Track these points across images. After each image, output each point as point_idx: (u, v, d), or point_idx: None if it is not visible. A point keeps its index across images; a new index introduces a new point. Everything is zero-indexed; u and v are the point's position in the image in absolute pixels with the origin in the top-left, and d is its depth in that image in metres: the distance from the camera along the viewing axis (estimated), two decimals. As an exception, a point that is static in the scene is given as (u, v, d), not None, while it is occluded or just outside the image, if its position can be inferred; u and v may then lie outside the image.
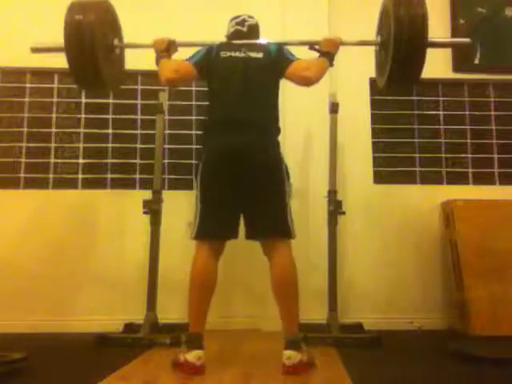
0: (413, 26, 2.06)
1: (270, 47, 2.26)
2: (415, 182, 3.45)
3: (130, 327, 2.90)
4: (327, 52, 2.23)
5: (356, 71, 3.35)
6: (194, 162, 3.39)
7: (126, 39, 2.54)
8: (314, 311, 2.93)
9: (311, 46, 2.29)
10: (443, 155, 3.49)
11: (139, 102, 3.47)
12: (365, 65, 3.13)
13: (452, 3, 3.51)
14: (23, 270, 3.15)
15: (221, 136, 2.16)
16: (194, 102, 3.47)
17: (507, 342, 2.59)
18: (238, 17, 2.39)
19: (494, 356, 2.21)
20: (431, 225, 3.30)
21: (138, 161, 3.41)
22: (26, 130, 3.39)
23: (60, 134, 3.41)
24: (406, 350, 2.56)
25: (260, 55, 2.22)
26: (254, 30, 2.38)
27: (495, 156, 3.49)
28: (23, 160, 3.37)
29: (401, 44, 2.07)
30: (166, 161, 3.38)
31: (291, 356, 1.99)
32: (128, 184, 3.37)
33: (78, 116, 3.43)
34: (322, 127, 3.12)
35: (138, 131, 3.44)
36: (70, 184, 3.35)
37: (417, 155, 3.48)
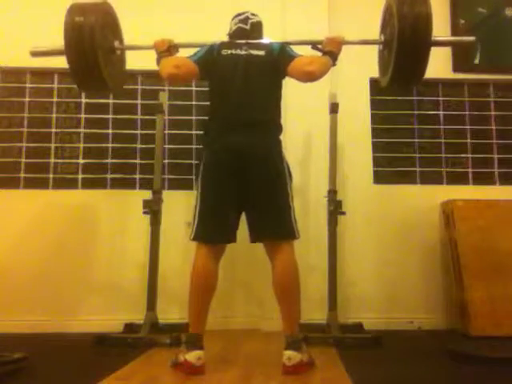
0: (417, 24, 2.05)
1: (272, 46, 2.24)
2: (415, 182, 3.45)
3: (130, 327, 2.90)
4: (330, 51, 2.21)
5: (356, 71, 3.35)
6: (194, 162, 3.39)
7: (127, 40, 2.53)
8: (314, 311, 2.93)
9: (314, 45, 2.28)
10: (443, 155, 3.49)
11: (139, 102, 3.47)
12: (365, 65, 3.14)
13: (452, 3, 3.51)
14: (23, 270, 3.15)
15: (222, 136, 2.15)
16: (194, 102, 3.47)
17: (507, 342, 2.58)
18: (242, 14, 2.37)
19: (494, 356, 2.21)
20: (431, 225, 3.30)
21: (138, 161, 3.41)
22: (25, 130, 3.40)
23: (60, 134, 3.42)
24: (406, 350, 2.56)
25: (262, 53, 2.21)
26: (256, 28, 2.36)
27: (495, 156, 3.49)
28: (23, 160, 3.37)
29: (405, 42, 2.06)
30: (166, 161, 3.38)
31: (291, 356, 1.99)
32: (128, 184, 3.37)
33: (78, 116, 3.43)
34: (322, 127, 3.12)
35: (138, 131, 3.44)
36: (70, 184, 3.35)
37: (417, 155, 3.48)
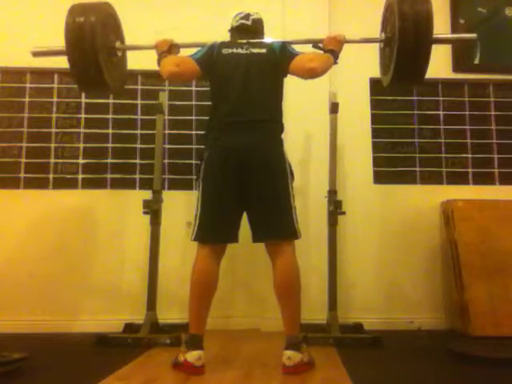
0: (418, 22, 2.05)
1: (273, 45, 2.24)
2: (415, 182, 3.45)
3: (130, 327, 2.90)
4: (331, 50, 2.21)
5: (356, 71, 3.35)
6: (194, 162, 3.39)
7: (128, 40, 2.53)
8: (314, 311, 2.93)
9: (315, 44, 2.28)
10: (443, 155, 3.49)
11: (139, 102, 3.47)
12: (365, 65, 3.16)
13: (452, 3, 3.51)
14: (23, 270, 3.15)
15: (223, 136, 2.14)
16: (194, 102, 3.47)
17: (507, 342, 2.59)
18: (243, 12, 2.38)
19: (494, 356, 2.22)
20: (431, 225, 3.30)
21: (138, 161, 3.41)
22: (25, 130, 3.39)
23: (60, 134, 3.41)
24: (406, 350, 2.56)
25: (263, 51, 2.21)
26: (258, 24, 2.36)
27: (495, 156, 3.49)
28: (23, 160, 3.36)
29: (406, 40, 2.06)
30: (166, 161, 3.38)
31: (291, 356, 1.99)
32: (128, 184, 3.37)
33: (78, 116, 3.43)
34: (322, 127, 3.12)
35: (138, 131, 3.44)
36: (70, 184, 3.35)
37: (417, 155, 3.48)
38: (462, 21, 3.49)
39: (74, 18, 2.17)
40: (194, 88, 3.47)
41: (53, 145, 3.40)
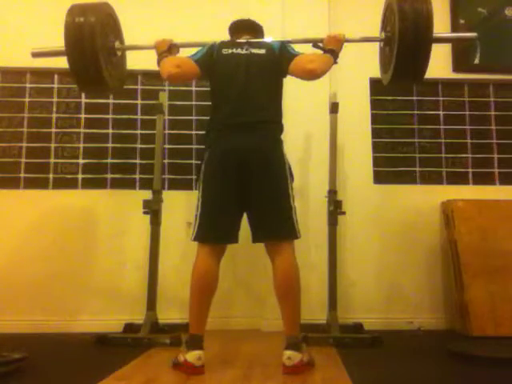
0: (418, 20, 2.04)
1: (273, 45, 2.24)
2: (415, 182, 3.45)
3: (130, 327, 2.90)
4: (331, 50, 2.20)
5: (356, 71, 3.35)
6: (194, 162, 3.39)
7: (127, 40, 2.53)
8: (314, 311, 2.93)
9: (315, 43, 2.28)
10: (443, 155, 3.49)
11: (139, 102, 3.47)
12: (365, 65, 3.16)
13: (452, 3, 3.51)
14: (23, 270, 3.15)
15: (223, 137, 2.15)
16: (194, 102, 3.47)
17: (507, 342, 2.59)
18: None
19: (494, 356, 2.21)
20: (431, 225, 3.30)
21: (138, 161, 3.41)
22: (25, 130, 3.39)
23: (60, 134, 3.41)
24: (406, 350, 2.56)
25: (263, 51, 2.21)
26: (257, 23, 2.40)
27: (495, 156, 3.49)
28: (23, 160, 3.36)
29: (406, 39, 2.05)
30: (166, 161, 3.38)
31: (291, 356, 1.99)
32: (128, 184, 3.37)
33: (78, 116, 3.43)
34: (322, 127, 3.12)
35: (138, 131, 3.44)
36: (70, 184, 3.35)
37: (417, 155, 3.48)
38: (462, 21, 3.49)
39: (74, 19, 2.17)
40: (194, 88, 3.48)
41: (53, 145, 3.40)
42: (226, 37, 2.38)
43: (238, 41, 2.28)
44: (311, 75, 2.15)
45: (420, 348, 2.62)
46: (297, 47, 2.27)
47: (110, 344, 2.63)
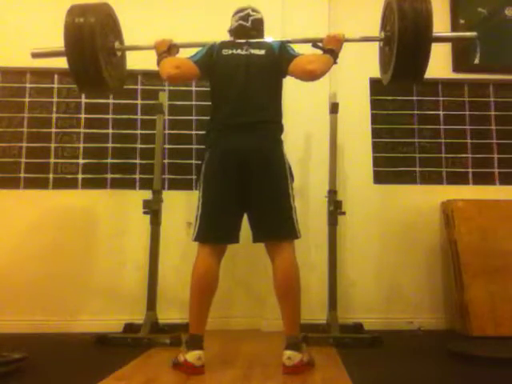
0: (417, 20, 2.04)
1: (272, 45, 2.24)
2: (415, 182, 3.45)
3: (130, 327, 2.90)
4: (331, 49, 2.20)
5: (356, 71, 3.35)
6: (194, 162, 3.39)
7: (127, 41, 2.53)
8: (314, 311, 2.93)
9: (314, 43, 2.27)
10: (443, 155, 3.49)
11: (139, 102, 3.47)
12: (365, 65, 3.16)
13: (452, 3, 3.51)
14: (23, 270, 3.15)
15: (224, 137, 2.15)
16: (194, 102, 3.47)
17: (507, 342, 2.59)
18: (243, 10, 2.34)
19: (494, 356, 2.21)
20: (431, 225, 3.30)
21: (138, 161, 3.41)
22: (25, 130, 3.39)
23: (60, 134, 3.41)
24: (406, 350, 2.56)
25: (262, 52, 2.21)
26: (257, 25, 2.34)
27: (495, 156, 3.49)
28: (23, 160, 3.36)
29: (405, 39, 2.05)
30: (166, 161, 3.38)
31: (291, 356, 1.99)
32: (128, 184, 3.37)
33: (78, 116, 3.43)
34: (322, 127, 3.12)
35: (138, 131, 3.44)
36: (70, 184, 3.35)
37: (417, 155, 3.48)
38: (462, 21, 3.49)
39: (74, 19, 2.17)
40: (194, 88, 3.47)
41: (53, 145, 3.40)
42: (226, 37, 2.37)
43: (238, 41, 2.27)
44: (311, 76, 2.15)
45: (420, 348, 2.62)
46: (296, 47, 2.27)
47: (110, 344, 2.63)
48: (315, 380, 1.94)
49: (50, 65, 3.07)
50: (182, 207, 3.20)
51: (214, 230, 2.12)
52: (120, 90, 2.64)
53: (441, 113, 3.54)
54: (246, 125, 2.13)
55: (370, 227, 3.29)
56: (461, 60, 3.48)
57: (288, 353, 2.00)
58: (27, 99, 3.43)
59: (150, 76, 3.43)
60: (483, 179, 3.45)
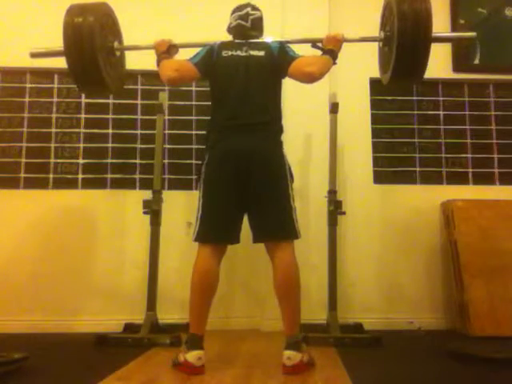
0: (417, 20, 2.04)
1: (272, 45, 2.24)
2: (415, 182, 3.45)
3: (130, 327, 2.90)
4: (330, 50, 2.20)
5: (356, 71, 3.35)
6: (194, 162, 3.39)
7: (126, 41, 2.53)
8: (314, 311, 2.93)
9: (314, 43, 2.27)
10: (443, 155, 3.49)
11: (139, 102, 3.47)
12: (365, 65, 3.16)
13: (452, 3, 3.51)
14: (23, 270, 3.15)
15: (224, 138, 2.15)
16: (194, 102, 3.47)
17: (507, 342, 2.58)
18: (242, 8, 2.32)
19: (494, 356, 2.21)
20: (431, 225, 3.30)
21: (138, 161, 3.41)
22: (25, 130, 3.39)
23: (60, 134, 3.41)
24: (406, 350, 2.57)
25: (262, 53, 2.20)
26: (257, 25, 2.32)
27: (495, 156, 3.49)
28: (23, 160, 3.36)
29: (405, 39, 2.05)
30: (166, 161, 3.38)
31: (291, 356, 1.99)
32: (128, 184, 3.37)
33: (78, 116, 3.43)
34: (322, 127, 3.12)
35: (138, 131, 3.44)
36: (70, 184, 3.35)
37: (417, 155, 3.48)
38: (461, 21, 3.50)
39: (73, 19, 2.16)
40: (194, 88, 3.47)
41: (53, 145, 3.40)
42: (225, 36, 2.37)
43: (238, 42, 2.27)
44: (310, 78, 2.15)
45: (420, 348, 2.62)
46: (296, 47, 2.27)
47: (110, 344, 2.63)
48: (315, 380, 1.94)
49: (49, 65, 3.07)
50: (182, 207, 3.20)
51: (215, 231, 2.12)
52: (120, 90, 2.64)
53: (441, 113, 3.54)
54: (245, 126, 2.13)
55: (370, 227, 3.29)
56: (461, 60, 3.48)
57: (288, 353, 2.00)
58: (27, 99, 3.43)
59: (149, 76, 3.43)
60: (483, 179, 3.45)
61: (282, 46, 2.23)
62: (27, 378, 2.00)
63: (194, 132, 3.44)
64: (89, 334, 2.76)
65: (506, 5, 3.54)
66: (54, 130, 3.41)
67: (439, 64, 3.33)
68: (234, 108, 2.16)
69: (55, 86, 3.46)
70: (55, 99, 3.45)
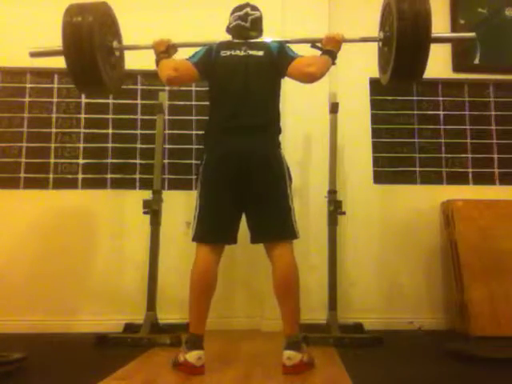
0: (416, 20, 2.04)
1: (271, 45, 2.23)
2: (415, 182, 3.45)
3: (130, 327, 2.90)
4: (330, 50, 2.20)
5: (356, 71, 3.35)
6: (194, 162, 3.39)
7: (126, 40, 2.53)
8: (314, 311, 2.93)
9: (313, 43, 2.27)
10: (443, 155, 3.49)
11: (139, 102, 3.47)
12: (365, 65, 3.15)
13: (452, 3, 3.51)
14: (23, 270, 3.15)
15: (222, 139, 2.14)
16: (193, 102, 3.47)
17: (507, 342, 2.58)
18: (241, 8, 2.30)
19: (493, 356, 2.21)
20: (431, 225, 3.30)
21: (138, 161, 3.41)
22: (25, 130, 3.39)
23: (60, 134, 3.41)
24: (406, 350, 2.57)
25: (261, 53, 2.20)
26: (256, 25, 2.31)
27: (495, 156, 3.49)
28: (23, 160, 3.36)
29: (404, 39, 2.05)
30: (166, 161, 3.38)
31: (291, 356, 1.99)
32: (128, 184, 3.37)
33: (78, 116, 3.43)
34: (322, 127, 3.12)
35: (138, 131, 3.44)
36: (70, 184, 3.35)
37: (417, 155, 3.48)
38: (461, 21, 3.50)
39: (71, 18, 2.16)
40: (194, 88, 3.47)
41: (53, 145, 3.40)
42: (224, 37, 2.36)
43: (236, 41, 2.26)
44: (310, 78, 2.15)
45: (420, 348, 2.63)
46: (295, 46, 2.26)
47: (110, 344, 2.63)
48: (315, 380, 1.94)
49: (49, 65, 3.07)
50: (182, 207, 3.20)
51: (212, 231, 2.12)
52: (119, 90, 2.63)
53: (441, 113, 3.53)
54: (243, 127, 2.13)
55: (370, 227, 3.29)
56: (461, 60, 3.48)
57: (288, 353, 2.00)
58: (27, 99, 3.43)
59: (149, 76, 3.43)
60: (483, 179, 3.45)
61: (282, 46, 2.23)
62: (27, 378, 2.00)
63: (193, 132, 3.44)
64: (89, 333, 2.76)
65: (506, 5, 3.54)
66: (54, 130, 3.41)
67: (439, 64, 3.34)
68: (232, 108, 2.15)
69: (55, 85, 3.46)
70: (55, 99, 3.45)
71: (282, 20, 3.28)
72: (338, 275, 2.94)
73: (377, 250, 3.28)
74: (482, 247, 3.01)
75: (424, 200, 3.33)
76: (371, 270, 3.26)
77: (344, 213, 2.98)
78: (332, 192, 2.97)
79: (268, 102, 2.21)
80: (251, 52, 2.20)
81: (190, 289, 2.09)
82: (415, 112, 3.53)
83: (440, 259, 3.28)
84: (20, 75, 3.45)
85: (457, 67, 3.48)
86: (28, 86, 3.45)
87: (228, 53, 2.21)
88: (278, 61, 2.19)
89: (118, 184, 3.37)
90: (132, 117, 3.45)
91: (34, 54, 2.39)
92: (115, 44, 2.39)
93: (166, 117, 3.35)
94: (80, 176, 3.37)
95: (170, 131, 3.42)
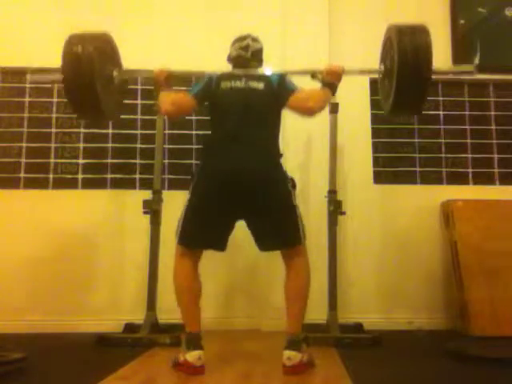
0: (416, 57, 2.04)
1: (271, 77, 2.24)
2: (415, 182, 3.45)
3: (130, 327, 2.90)
4: (330, 83, 2.21)
5: (356, 71, 3.35)
6: (194, 162, 3.39)
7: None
8: (314, 311, 2.92)
9: (313, 75, 2.25)
10: (443, 155, 3.48)
11: (139, 102, 3.47)
12: (365, 65, 3.13)
13: (452, 3, 3.51)
14: (23, 270, 3.15)
15: (222, 154, 2.14)
16: (193, 102, 3.46)
17: (507, 342, 2.59)
18: (243, 39, 2.32)
19: (493, 356, 2.21)
20: (431, 225, 3.30)
21: (137, 161, 3.41)
22: (26, 130, 3.39)
23: (60, 134, 3.41)
24: (406, 350, 2.57)
25: (261, 85, 2.20)
26: (257, 56, 2.33)
27: (495, 156, 3.49)
28: (23, 160, 3.36)
29: (404, 76, 2.05)
30: (166, 161, 3.38)
31: (291, 356, 2.00)
32: (128, 184, 3.37)
33: (78, 116, 3.43)
34: (322, 127, 3.12)
35: (138, 131, 3.44)
36: (70, 184, 3.35)
37: (417, 155, 3.48)
38: (462, 21, 3.50)
39: (72, 48, 2.13)
40: (193, 88, 3.47)
41: (53, 145, 3.39)
42: (223, 62, 2.35)
43: (237, 73, 2.26)
44: (309, 113, 2.21)
45: (420, 348, 2.63)
46: (295, 78, 2.27)
47: (110, 344, 2.63)
48: (315, 380, 1.95)
49: (49, 65, 3.06)
50: (182, 207, 3.19)
51: (198, 239, 2.13)
52: (117, 118, 2.68)
53: (441, 113, 3.53)
54: (243, 154, 2.12)
55: (370, 227, 3.29)
56: (461, 60, 3.48)
57: (288, 353, 2.00)
58: (27, 99, 3.43)
59: (149, 76, 3.42)
60: (483, 179, 3.45)
61: (282, 78, 2.24)
62: (27, 378, 2.00)
63: (193, 132, 3.44)
64: (89, 333, 2.76)
65: (506, 5, 3.54)
66: (54, 130, 3.41)
67: (439, 64, 3.28)
68: (231, 141, 2.14)
69: (55, 86, 3.45)
70: (55, 99, 3.44)
71: (282, 49, 3.25)
72: (338, 275, 2.94)
73: (377, 250, 3.28)
74: (482, 247, 3.01)
75: (424, 200, 3.33)
76: (371, 270, 3.26)
77: (344, 213, 2.98)
78: (332, 192, 2.97)
79: (267, 133, 2.22)
80: (252, 84, 2.20)
81: (175, 293, 2.11)
82: (415, 112, 3.53)
83: (440, 259, 3.27)
84: (20, 75, 3.44)
85: (457, 67, 3.48)
86: (28, 86, 3.45)
87: (228, 84, 2.21)
88: (278, 93, 2.20)
89: (117, 184, 3.37)
90: (132, 117, 3.45)
91: (34, 82, 2.37)
92: (115, 73, 2.35)
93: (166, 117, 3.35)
94: (80, 176, 3.37)
95: (170, 131, 3.42)
